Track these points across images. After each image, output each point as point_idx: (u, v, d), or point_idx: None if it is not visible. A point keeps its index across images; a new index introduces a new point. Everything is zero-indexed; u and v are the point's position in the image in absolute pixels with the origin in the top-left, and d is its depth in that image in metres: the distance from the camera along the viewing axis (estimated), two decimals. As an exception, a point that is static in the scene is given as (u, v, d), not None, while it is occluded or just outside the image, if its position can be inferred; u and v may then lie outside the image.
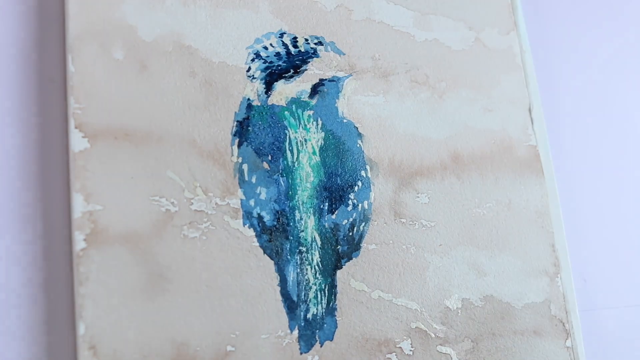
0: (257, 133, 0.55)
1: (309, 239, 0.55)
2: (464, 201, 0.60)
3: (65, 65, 0.50)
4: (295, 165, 0.55)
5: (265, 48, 0.56)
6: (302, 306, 0.53)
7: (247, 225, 0.53)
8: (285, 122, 0.56)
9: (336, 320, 0.54)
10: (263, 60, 0.56)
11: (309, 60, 0.58)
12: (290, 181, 0.55)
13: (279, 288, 0.53)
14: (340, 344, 0.53)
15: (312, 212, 0.55)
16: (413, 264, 0.57)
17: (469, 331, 0.58)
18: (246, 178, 0.53)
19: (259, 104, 0.55)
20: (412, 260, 0.57)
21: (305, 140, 0.56)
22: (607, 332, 0.67)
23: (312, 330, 0.53)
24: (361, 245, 0.56)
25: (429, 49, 0.63)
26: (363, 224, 0.57)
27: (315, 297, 0.54)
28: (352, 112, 0.59)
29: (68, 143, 0.49)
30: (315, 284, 0.54)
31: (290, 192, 0.55)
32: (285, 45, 0.57)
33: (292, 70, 0.57)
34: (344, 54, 0.59)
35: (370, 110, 0.59)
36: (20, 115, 0.49)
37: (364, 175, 0.58)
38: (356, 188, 0.57)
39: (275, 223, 0.54)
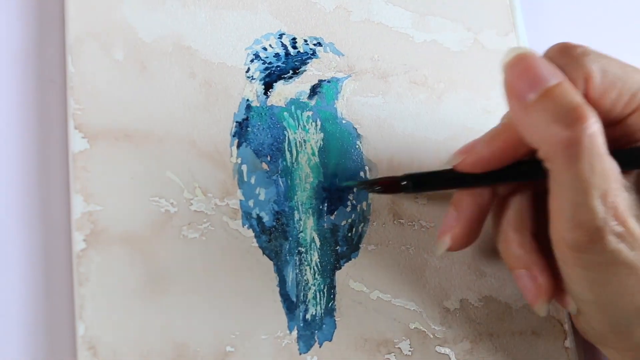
0: (256, 134, 0.54)
1: (308, 240, 0.55)
2: (463, 202, 0.60)
3: (65, 66, 0.50)
4: (295, 166, 0.55)
5: (265, 49, 0.56)
6: (301, 307, 0.53)
7: (247, 225, 0.52)
8: (285, 123, 0.56)
9: (335, 320, 0.54)
10: (262, 61, 0.56)
11: (308, 61, 0.58)
12: (289, 182, 0.55)
13: (278, 289, 0.53)
14: (339, 345, 0.53)
15: (311, 212, 0.55)
16: (412, 265, 0.57)
17: (467, 332, 0.58)
18: (245, 179, 0.53)
19: (258, 105, 0.55)
20: (411, 260, 0.57)
21: (305, 141, 0.56)
22: (605, 333, 0.67)
23: (311, 330, 0.53)
24: (360, 246, 0.56)
25: (428, 50, 0.63)
26: (362, 224, 0.57)
27: (315, 297, 0.54)
28: (351, 113, 0.59)
29: (68, 144, 0.49)
30: (315, 285, 0.54)
31: (289, 193, 0.55)
32: (284, 46, 0.57)
33: (291, 71, 0.57)
34: (343, 55, 0.59)
35: (369, 111, 0.59)
36: (20, 116, 0.49)
37: (363, 176, 0.58)
38: (355, 189, 0.57)
39: (274, 224, 0.53)
